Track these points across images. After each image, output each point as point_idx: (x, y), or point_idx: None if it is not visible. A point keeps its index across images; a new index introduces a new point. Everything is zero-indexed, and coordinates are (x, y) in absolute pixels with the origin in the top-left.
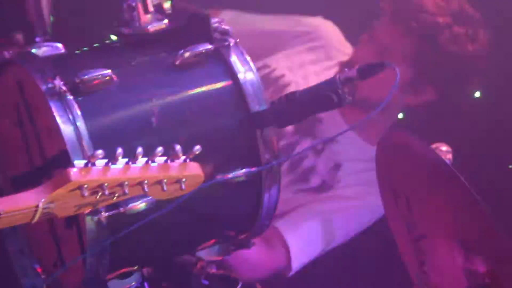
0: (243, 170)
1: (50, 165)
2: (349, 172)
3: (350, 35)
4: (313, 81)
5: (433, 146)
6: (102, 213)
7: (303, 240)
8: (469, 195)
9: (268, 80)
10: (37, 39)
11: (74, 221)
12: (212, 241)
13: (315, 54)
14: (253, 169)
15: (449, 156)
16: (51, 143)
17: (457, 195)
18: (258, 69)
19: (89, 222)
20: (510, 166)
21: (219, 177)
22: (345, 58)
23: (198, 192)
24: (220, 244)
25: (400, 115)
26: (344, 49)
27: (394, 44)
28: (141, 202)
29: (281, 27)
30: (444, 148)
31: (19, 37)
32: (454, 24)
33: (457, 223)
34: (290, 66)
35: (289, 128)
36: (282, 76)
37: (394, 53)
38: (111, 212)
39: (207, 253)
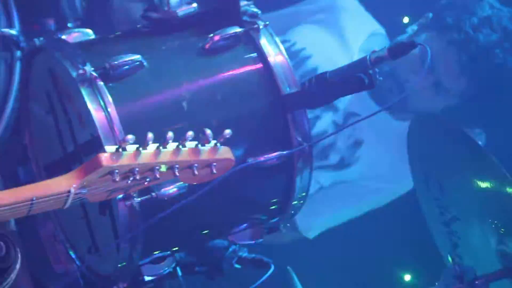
0: (275, 153)
1: (82, 151)
2: (369, 152)
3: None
4: (333, 55)
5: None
6: (134, 199)
7: (315, 222)
8: (502, 177)
9: (289, 53)
10: (69, 25)
11: (107, 207)
12: (245, 224)
13: (337, 25)
14: (285, 152)
15: (482, 137)
16: (83, 130)
17: (490, 177)
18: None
19: (122, 208)
20: None
21: (251, 160)
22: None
23: (230, 176)
24: (252, 227)
25: None
26: (364, 26)
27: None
28: (174, 187)
29: (297, 7)
30: (477, 130)
31: (51, 23)
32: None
33: (490, 205)
34: (310, 39)
35: None
36: (303, 49)
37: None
38: (143, 198)
39: (239, 237)
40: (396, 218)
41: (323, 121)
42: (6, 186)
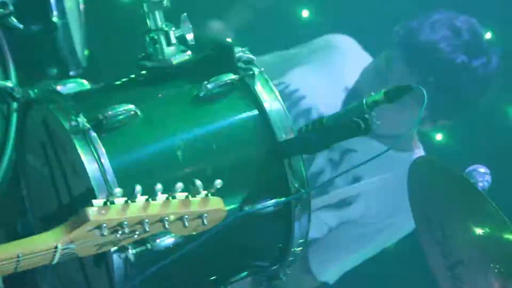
0: (272, 201)
1: (77, 203)
2: (370, 188)
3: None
4: (327, 95)
5: (471, 168)
6: (129, 250)
7: (329, 266)
8: (502, 223)
9: (283, 95)
10: (71, 73)
11: (102, 259)
12: (244, 273)
13: (329, 69)
14: (282, 199)
15: (488, 177)
16: (77, 181)
17: (490, 222)
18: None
19: (117, 260)
20: None
21: (247, 208)
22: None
23: (227, 225)
24: (252, 276)
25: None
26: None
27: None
28: (169, 237)
29: (295, 50)
30: (482, 169)
31: (53, 71)
32: (470, 61)
33: (493, 249)
34: (304, 80)
35: None
36: (296, 90)
37: None
38: (138, 249)
39: (239, 286)
40: (401, 261)
41: (320, 159)
42: (8, 239)
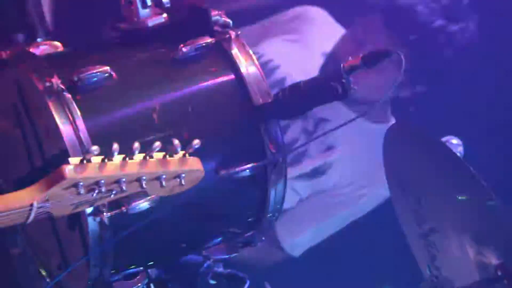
0: (248, 165)
1: (51, 165)
2: (343, 158)
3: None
4: (301, 64)
5: (443, 139)
6: (104, 213)
7: (298, 238)
8: (480, 188)
9: None
10: (39, 39)
11: (76, 222)
12: (219, 238)
13: (302, 38)
14: (258, 163)
15: (460, 149)
16: (51, 143)
17: (467, 188)
18: None
19: (91, 223)
20: None
21: (223, 172)
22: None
23: (202, 188)
24: (227, 242)
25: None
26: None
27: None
28: (144, 201)
29: (268, 21)
30: (455, 141)
31: (20, 38)
32: (448, 25)
33: (468, 216)
34: (277, 50)
35: None
36: (270, 60)
37: None
38: (113, 212)
39: (213, 252)
40: (373, 231)
41: (293, 128)
42: None
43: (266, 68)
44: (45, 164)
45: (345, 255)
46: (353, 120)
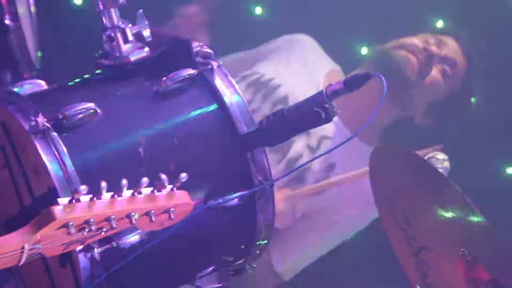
0: (236, 194)
1: (40, 204)
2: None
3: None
4: (300, 84)
5: (429, 155)
6: (94, 249)
7: (291, 261)
8: (466, 205)
9: (258, 84)
10: (25, 75)
11: (68, 259)
12: (211, 268)
13: (299, 59)
14: (245, 192)
15: (446, 164)
16: (40, 182)
17: (454, 206)
18: (247, 76)
19: (82, 259)
20: None
21: (211, 202)
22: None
23: (192, 219)
24: (219, 270)
25: None
26: (323, 62)
27: None
28: (134, 234)
29: (260, 48)
30: (441, 156)
31: (7, 75)
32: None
33: (457, 232)
34: (276, 70)
35: None
36: (272, 79)
37: None
38: (103, 248)
39: (206, 281)
40: (365, 250)
41: (298, 145)
42: None
43: (268, 86)
44: (34, 203)
45: (336, 276)
46: (349, 140)
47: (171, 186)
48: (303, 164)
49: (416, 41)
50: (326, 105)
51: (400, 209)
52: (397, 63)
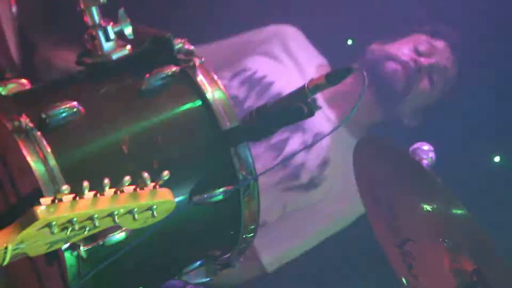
0: (220, 190)
1: (25, 203)
2: (335, 171)
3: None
4: (292, 80)
5: (415, 146)
6: (80, 247)
7: (277, 253)
8: (449, 197)
9: (252, 81)
10: (7, 74)
11: (54, 257)
12: (198, 262)
13: (285, 57)
14: (229, 187)
15: (431, 154)
16: (24, 181)
17: (437, 197)
18: (239, 72)
19: (69, 258)
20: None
21: (196, 198)
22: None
23: (177, 215)
24: (206, 265)
25: None
26: (311, 56)
27: None
28: (120, 232)
29: (246, 37)
30: (426, 147)
31: None
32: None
33: (441, 224)
34: (267, 67)
35: None
36: (264, 77)
37: None
38: (89, 245)
39: (193, 276)
40: (350, 244)
41: (294, 141)
42: None
43: (261, 84)
44: (20, 203)
45: (323, 270)
46: (332, 132)
47: (153, 183)
48: (275, 166)
49: (405, 50)
50: (309, 100)
51: (385, 200)
52: (385, 77)
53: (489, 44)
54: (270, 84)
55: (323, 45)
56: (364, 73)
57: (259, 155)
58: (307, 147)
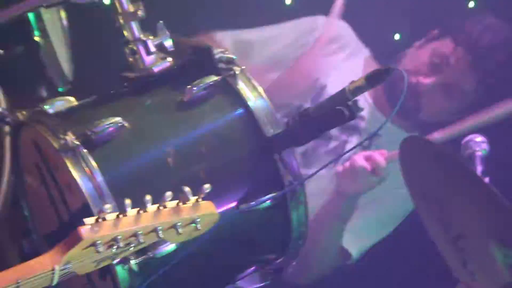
0: (267, 196)
1: (76, 219)
2: (392, 169)
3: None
4: (348, 78)
5: (467, 138)
6: (131, 261)
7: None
8: (494, 196)
9: (305, 86)
10: (60, 89)
11: (107, 271)
12: (251, 268)
13: (342, 52)
14: (274, 194)
15: (484, 145)
16: (74, 198)
17: (483, 195)
18: (318, 89)
19: (120, 272)
20: None
21: (243, 206)
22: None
23: (226, 223)
24: (259, 271)
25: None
26: (359, 49)
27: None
28: (169, 243)
29: (295, 34)
30: (479, 138)
31: (43, 90)
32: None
33: (491, 220)
34: (322, 69)
35: (335, 129)
36: (317, 79)
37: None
38: (140, 259)
39: (247, 282)
40: (405, 242)
41: (352, 144)
42: (15, 261)
43: (316, 88)
44: (71, 218)
45: (382, 270)
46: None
47: (196, 197)
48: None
49: (420, 61)
50: (349, 102)
51: (434, 198)
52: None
53: None
54: (324, 87)
55: (368, 38)
56: (404, 72)
57: (319, 158)
58: (358, 144)
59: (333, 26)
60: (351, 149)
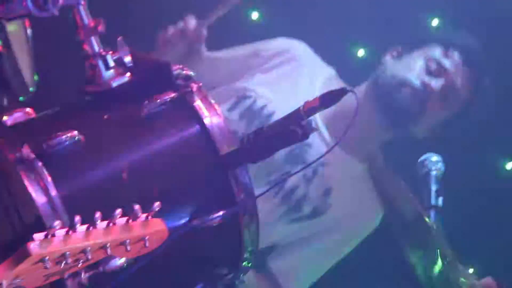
0: (218, 213)
1: (30, 231)
2: (339, 197)
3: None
4: (298, 97)
5: (423, 157)
6: (82, 275)
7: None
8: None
9: (251, 113)
10: (21, 99)
11: (58, 285)
12: (200, 285)
13: (294, 74)
14: (228, 210)
15: (440, 165)
16: (28, 211)
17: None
18: (240, 100)
19: (71, 286)
20: None
21: (196, 222)
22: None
23: (178, 239)
24: (209, 286)
25: None
26: (318, 72)
27: None
28: (119, 258)
29: (250, 51)
30: (435, 158)
31: (4, 101)
32: None
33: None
34: (269, 93)
35: (280, 158)
36: (264, 106)
37: None
38: (90, 273)
39: None
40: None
41: (294, 176)
42: None
43: (262, 115)
44: (25, 230)
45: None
46: (331, 150)
47: (145, 214)
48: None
49: (416, 72)
50: (303, 123)
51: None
52: (402, 103)
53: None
54: (271, 114)
55: (331, 56)
56: (356, 94)
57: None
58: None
59: (277, 42)
60: (294, 173)
